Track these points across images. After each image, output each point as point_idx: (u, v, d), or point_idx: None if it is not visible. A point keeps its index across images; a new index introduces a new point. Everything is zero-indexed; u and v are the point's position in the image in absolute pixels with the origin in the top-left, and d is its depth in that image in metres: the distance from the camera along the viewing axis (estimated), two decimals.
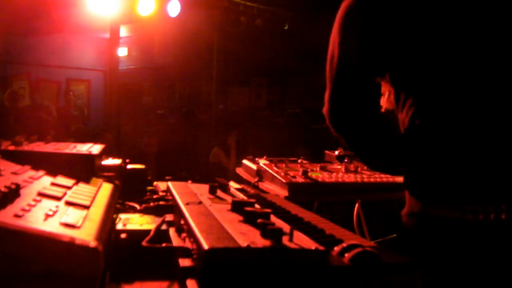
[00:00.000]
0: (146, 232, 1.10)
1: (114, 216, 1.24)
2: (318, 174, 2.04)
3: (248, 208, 0.94)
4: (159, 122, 8.98)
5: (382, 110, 1.56)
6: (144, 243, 1.00)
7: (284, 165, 2.20)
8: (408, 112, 1.24)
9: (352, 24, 1.28)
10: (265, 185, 2.05)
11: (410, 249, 1.25)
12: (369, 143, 1.34)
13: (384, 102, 1.67)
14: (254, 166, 2.24)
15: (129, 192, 1.57)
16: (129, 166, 1.90)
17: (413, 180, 1.27)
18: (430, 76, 1.21)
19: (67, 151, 1.56)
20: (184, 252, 0.88)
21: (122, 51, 9.67)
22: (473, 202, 1.13)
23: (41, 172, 1.15)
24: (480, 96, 1.18)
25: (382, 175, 2.12)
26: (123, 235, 1.13)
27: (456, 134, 1.18)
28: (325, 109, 1.37)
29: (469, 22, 1.20)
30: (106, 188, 1.21)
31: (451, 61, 1.20)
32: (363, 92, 1.30)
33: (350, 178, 2.03)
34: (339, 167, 2.26)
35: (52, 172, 1.17)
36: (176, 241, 1.05)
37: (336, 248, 0.86)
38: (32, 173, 1.13)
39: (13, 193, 0.85)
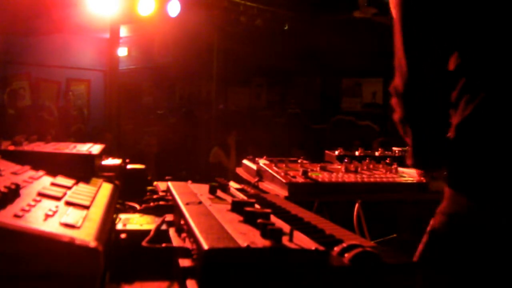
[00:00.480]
0: (146, 232, 1.10)
1: (114, 216, 1.24)
2: (318, 174, 2.04)
3: (248, 208, 0.94)
4: (159, 122, 9.00)
5: None
6: (144, 243, 1.00)
7: (284, 165, 2.20)
8: (470, 102, 1.15)
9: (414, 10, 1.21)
10: (265, 185, 2.05)
11: (447, 252, 1.20)
12: (432, 135, 1.26)
13: None
14: (254, 166, 2.25)
15: (129, 192, 1.57)
16: (129, 166, 1.90)
17: (466, 178, 1.18)
18: (504, 62, 1.13)
19: (67, 151, 1.56)
20: (184, 252, 0.88)
21: (122, 51, 9.67)
22: None
23: (41, 172, 1.15)
24: None
25: (382, 175, 2.12)
26: (123, 235, 1.13)
27: None
28: (400, 87, 1.26)
29: None
30: (106, 188, 1.21)
31: None
32: (441, 78, 1.23)
33: (350, 178, 2.03)
34: (339, 167, 2.26)
35: (52, 172, 1.17)
36: (176, 241, 1.05)
37: (336, 248, 0.86)
38: (32, 173, 1.13)
39: (13, 193, 0.85)
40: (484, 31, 1.17)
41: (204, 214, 0.96)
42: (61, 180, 1.12)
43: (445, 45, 1.22)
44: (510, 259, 1.10)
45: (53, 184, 1.06)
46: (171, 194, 1.28)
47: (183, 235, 1.01)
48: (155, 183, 1.88)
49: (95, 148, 1.65)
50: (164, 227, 1.18)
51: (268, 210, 0.93)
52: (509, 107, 1.12)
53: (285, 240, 0.80)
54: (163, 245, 0.98)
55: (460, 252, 1.17)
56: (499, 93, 1.13)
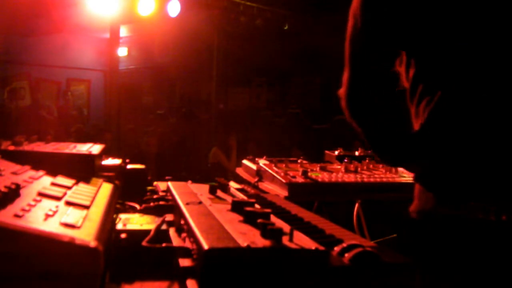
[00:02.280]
0: (146, 232, 1.10)
1: (114, 216, 1.24)
2: (318, 174, 2.04)
3: (248, 208, 0.94)
4: (159, 122, 8.99)
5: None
6: (144, 243, 1.00)
7: (284, 165, 2.20)
8: (428, 105, 1.20)
9: (377, 2, 1.25)
10: (265, 185, 2.05)
11: (417, 247, 1.23)
12: (384, 132, 1.31)
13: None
14: (254, 166, 2.25)
15: (129, 192, 1.57)
16: (129, 166, 1.90)
17: (430, 176, 1.22)
18: (457, 67, 1.17)
19: (67, 151, 1.56)
20: (184, 252, 0.88)
21: (122, 51, 9.67)
22: (496, 201, 1.09)
23: (41, 172, 1.15)
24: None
25: (382, 175, 2.12)
26: (123, 235, 1.13)
27: (481, 130, 1.13)
28: (342, 91, 1.32)
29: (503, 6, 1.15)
30: (106, 188, 1.21)
31: (482, 51, 1.15)
32: (384, 76, 1.28)
33: (350, 178, 2.03)
34: (339, 167, 2.26)
35: (52, 172, 1.17)
36: (176, 241, 1.05)
37: (336, 248, 0.86)
38: (32, 173, 1.13)
39: (13, 193, 0.85)
40: (439, 37, 1.20)
41: (204, 214, 0.96)
42: (61, 180, 1.12)
43: (395, 50, 1.27)
44: (478, 256, 1.12)
45: (53, 184, 1.06)
46: (171, 194, 1.28)
47: (183, 235, 1.01)
48: (155, 183, 1.88)
49: (95, 148, 1.65)
50: (164, 227, 1.18)
51: (268, 210, 0.93)
52: (464, 107, 1.16)
53: (285, 240, 0.80)
54: (163, 245, 0.98)
55: (428, 250, 1.20)
56: (454, 94, 1.17)
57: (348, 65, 1.30)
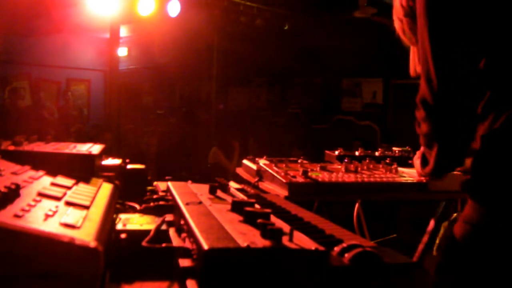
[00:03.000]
0: (146, 232, 1.10)
1: (114, 216, 1.24)
2: (318, 174, 2.04)
3: (248, 208, 0.94)
4: (159, 122, 9.00)
5: None
6: (144, 243, 1.00)
7: (284, 165, 2.20)
8: (497, 121, 1.13)
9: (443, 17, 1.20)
10: (265, 185, 2.05)
11: (462, 261, 1.19)
12: (460, 133, 1.25)
13: None
14: (254, 166, 2.25)
15: (129, 192, 1.57)
16: (129, 166, 1.90)
17: (490, 190, 1.16)
18: None
19: (67, 151, 1.56)
20: (184, 252, 0.88)
21: (122, 51, 9.68)
22: None
23: (41, 172, 1.15)
24: None
25: (382, 175, 2.12)
26: (123, 235, 1.13)
27: None
28: (434, 84, 1.23)
29: None
30: (106, 188, 1.21)
31: None
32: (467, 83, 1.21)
33: (350, 178, 2.03)
34: (339, 167, 2.26)
35: (52, 172, 1.17)
36: (176, 241, 1.05)
37: (336, 248, 0.86)
38: (32, 173, 1.13)
39: (13, 193, 0.85)
40: None
41: (204, 214, 0.96)
42: (61, 180, 1.12)
43: (473, 54, 1.20)
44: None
45: (53, 184, 1.06)
46: (171, 194, 1.28)
47: (183, 235, 1.01)
48: (155, 183, 1.88)
49: (95, 148, 1.65)
50: (164, 227, 1.18)
51: (268, 210, 0.93)
52: None
53: (285, 240, 0.80)
54: (163, 245, 0.98)
55: (480, 262, 1.16)
56: None
57: (434, 76, 1.21)
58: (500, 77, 1.18)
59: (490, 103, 1.18)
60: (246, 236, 0.79)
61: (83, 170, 1.45)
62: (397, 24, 1.47)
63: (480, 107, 1.19)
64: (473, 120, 1.21)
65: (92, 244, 0.69)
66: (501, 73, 1.18)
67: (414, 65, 1.48)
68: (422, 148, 1.46)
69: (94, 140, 2.00)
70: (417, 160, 1.68)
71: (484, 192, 1.17)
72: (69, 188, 1.05)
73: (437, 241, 2.38)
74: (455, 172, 1.76)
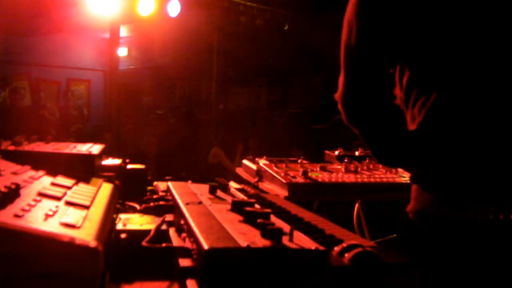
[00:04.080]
0: (146, 232, 1.10)
1: (114, 216, 1.24)
2: (318, 174, 2.04)
3: (248, 208, 0.94)
4: (159, 122, 8.98)
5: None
6: (144, 243, 1.00)
7: (284, 165, 2.20)
8: (423, 106, 1.20)
9: (372, 8, 1.25)
10: (265, 185, 2.05)
11: (415, 247, 1.24)
12: (382, 134, 1.32)
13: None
14: (254, 166, 2.24)
15: (129, 192, 1.57)
16: (129, 166, 1.90)
17: (427, 176, 1.23)
18: (451, 69, 1.17)
19: (67, 151, 1.56)
20: (184, 252, 0.88)
21: (122, 51, 9.67)
22: (494, 201, 1.09)
23: (41, 172, 1.15)
24: (505, 90, 1.13)
25: (382, 175, 2.12)
26: (123, 235, 1.13)
27: (477, 130, 1.14)
28: (338, 94, 1.33)
29: (494, 9, 1.16)
30: (106, 188, 1.21)
31: (473, 52, 1.15)
32: (380, 79, 1.28)
33: (350, 178, 2.03)
34: (339, 167, 2.26)
35: (52, 172, 1.17)
36: (176, 241, 1.05)
37: (336, 248, 0.86)
38: (32, 173, 1.13)
39: (13, 193, 0.85)
40: (432, 39, 1.20)
41: (204, 214, 0.96)
42: (61, 180, 1.12)
43: (391, 52, 1.27)
44: (476, 256, 1.12)
45: (53, 184, 1.06)
46: (171, 194, 1.28)
47: (183, 235, 1.01)
48: (155, 183, 1.88)
49: (95, 148, 1.65)
50: (164, 227, 1.18)
51: (268, 210, 0.93)
52: (461, 106, 1.16)
53: (285, 240, 0.80)
54: (163, 245, 0.98)
55: (425, 251, 1.20)
56: (450, 94, 1.17)
57: (343, 70, 1.31)
58: (419, 56, 1.23)
59: (411, 83, 1.24)
60: (246, 236, 0.79)
61: (83, 170, 1.45)
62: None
63: (410, 102, 1.25)
64: (389, 108, 1.31)
65: (92, 244, 0.69)
66: (423, 73, 1.24)
67: None
68: None
69: (94, 140, 2.00)
70: None
71: (423, 179, 1.23)
72: (69, 188, 1.06)
73: None
74: None
